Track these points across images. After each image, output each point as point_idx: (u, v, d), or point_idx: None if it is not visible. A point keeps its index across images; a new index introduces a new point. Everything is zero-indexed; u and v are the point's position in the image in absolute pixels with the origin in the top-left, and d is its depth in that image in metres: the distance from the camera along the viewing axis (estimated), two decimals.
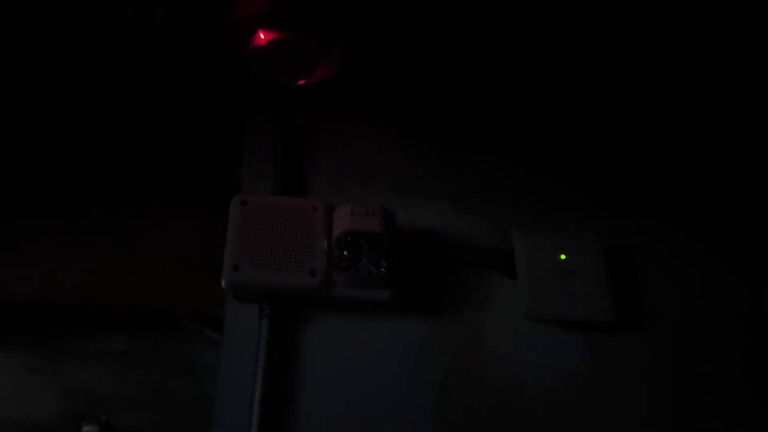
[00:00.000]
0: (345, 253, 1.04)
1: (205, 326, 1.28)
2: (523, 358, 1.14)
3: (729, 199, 1.34)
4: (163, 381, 2.60)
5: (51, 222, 1.26)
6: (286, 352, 1.06)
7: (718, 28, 1.39)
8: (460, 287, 1.17)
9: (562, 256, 1.18)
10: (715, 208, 1.32)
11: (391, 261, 1.05)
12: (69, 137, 1.24)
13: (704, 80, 1.40)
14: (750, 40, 1.32)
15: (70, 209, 1.26)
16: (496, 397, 1.10)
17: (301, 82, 1.11)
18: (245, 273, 1.01)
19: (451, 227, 1.22)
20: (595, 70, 1.37)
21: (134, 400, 2.85)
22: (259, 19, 0.96)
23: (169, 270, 1.27)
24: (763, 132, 1.40)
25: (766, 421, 1.14)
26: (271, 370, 1.02)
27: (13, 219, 1.24)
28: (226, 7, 0.96)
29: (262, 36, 0.99)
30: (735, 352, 1.18)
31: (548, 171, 1.32)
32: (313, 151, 1.24)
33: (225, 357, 1.07)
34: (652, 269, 1.24)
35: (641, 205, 1.31)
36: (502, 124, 1.35)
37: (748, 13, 1.36)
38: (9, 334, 1.93)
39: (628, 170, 1.35)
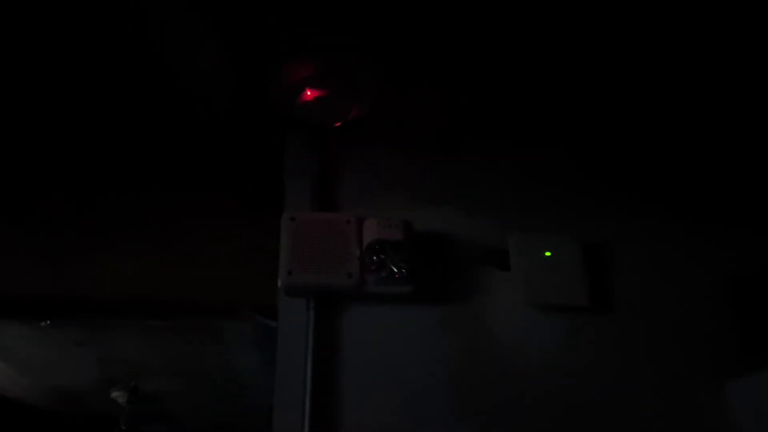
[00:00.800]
0: (374, 258, 1.31)
1: (256, 313, 1.56)
2: (516, 335, 1.42)
3: (688, 202, 1.61)
4: (194, 351, 2.94)
5: (134, 232, 1.53)
6: (329, 336, 1.34)
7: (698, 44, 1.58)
8: (465, 280, 1.45)
9: (548, 253, 1.46)
10: (675, 211, 1.60)
11: (410, 262, 1.32)
12: (155, 170, 1.52)
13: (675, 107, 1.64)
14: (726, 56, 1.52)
15: (149, 222, 1.54)
16: (497, 366, 1.38)
17: (337, 124, 1.37)
18: (297, 276, 1.28)
19: (457, 230, 1.49)
20: (579, 93, 1.61)
21: (164, 366, 3.19)
22: (307, 80, 1.22)
23: (226, 269, 1.54)
24: (723, 147, 1.66)
25: (711, 384, 1.42)
26: (318, 351, 1.30)
27: (105, 230, 1.53)
28: (281, 70, 1.21)
29: (309, 93, 1.25)
30: (686, 330, 1.47)
31: (537, 181, 1.58)
32: (342, 169, 1.50)
33: (281, 340, 1.35)
34: (622, 262, 1.52)
35: (614, 210, 1.58)
36: (499, 139, 1.61)
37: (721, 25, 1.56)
38: (70, 316, 2.22)
39: (602, 181, 1.62)
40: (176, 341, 2.83)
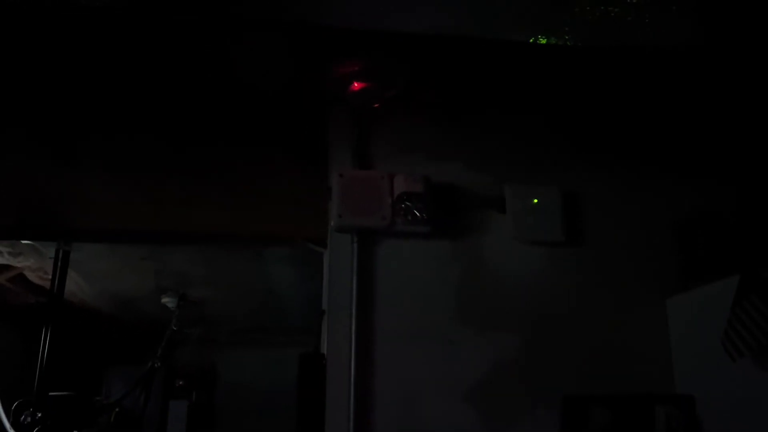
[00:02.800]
0: (402, 205, 1.75)
1: (309, 242, 2.00)
2: (508, 264, 1.87)
3: (645, 160, 2.01)
4: (238, 267, 3.41)
5: (214, 180, 1.97)
6: (368, 262, 1.79)
7: None
8: (469, 220, 1.88)
9: (535, 201, 1.89)
10: (634, 167, 2.01)
11: (429, 209, 1.76)
12: (235, 133, 1.97)
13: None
14: None
15: (229, 173, 1.98)
16: (491, 287, 1.84)
17: (376, 105, 1.77)
18: (345, 219, 1.73)
19: (464, 182, 1.91)
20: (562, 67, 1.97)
21: (209, 278, 3.68)
22: (353, 75, 1.60)
23: (286, 209, 1.98)
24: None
25: (655, 300, 1.88)
26: (360, 272, 1.76)
27: (192, 177, 1.97)
28: (333, 67, 1.59)
29: (355, 85, 1.64)
30: (638, 260, 1.92)
31: (528, 143, 1.99)
32: (375, 135, 1.90)
33: (332, 264, 1.80)
34: (592, 206, 1.95)
35: (587, 165, 1.99)
36: (499, 109, 2.00)
37: None
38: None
39: (579, 142, 2.02)
40: (224, 258, 3.29)
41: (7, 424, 2.64)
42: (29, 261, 3.31)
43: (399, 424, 1.70)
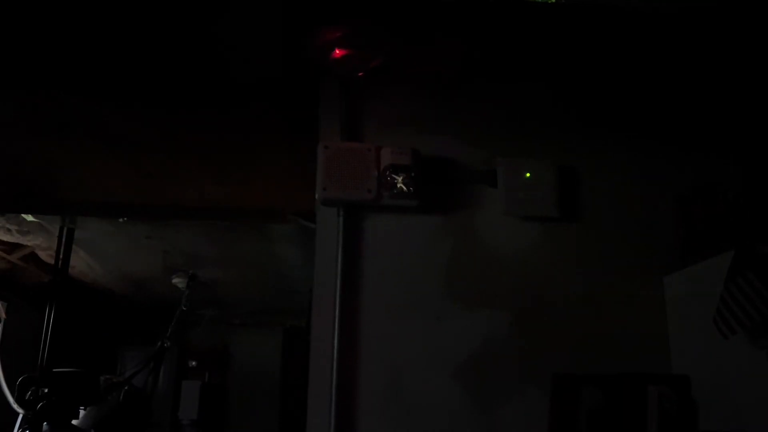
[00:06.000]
0: (388, 178, 1.71)
1: (299, 217, 1.98)
2: (499, 239, 1.82)
3: (644, 132, 1.94)
4: (244, 246, 3.40)
5: (204, 154, 1.96)
6: (354, 236, 1.76)
7: None
8: (460, 194, 1.84)
9: (528, 174, 1.84)
10: (633, 139, 1.94)
11: (417, 182, 1.72)
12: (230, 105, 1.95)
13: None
14: None
15: (219, 146, 1.96)
16: (481, 263, 1.80)
17: (360, 74, 1.73)
18: (330, 192, 1.70)
19: (455, 155, 1.86)
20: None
21: (218, 258, 3.67)
22: (335, 42, 1.57)
23: (276, 183, 1.96)
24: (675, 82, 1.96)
25: (653, 278, 1.82)
26: (346, 246, 1.73)
27: (183, 148, 1.96)
28: (316, 34, 1.56)
29: (337, 52, 1.60)
30: (635, 236, 1.86)
31: (522, 114, 1.93)
32: (364, 107, 1.86)
33: (319, 238, 1.77)
34: (589, 181, 1.89)
35: (584, 138, 1.93)
36: (491, 79, 1.94)
37: None
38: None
39: (575, 114, 1.95)
40: (230, 238, 3.29)
41: (11, 399, 2.67)
42: (38, 239, 3.35)
43: (384, 400, 1.67)
